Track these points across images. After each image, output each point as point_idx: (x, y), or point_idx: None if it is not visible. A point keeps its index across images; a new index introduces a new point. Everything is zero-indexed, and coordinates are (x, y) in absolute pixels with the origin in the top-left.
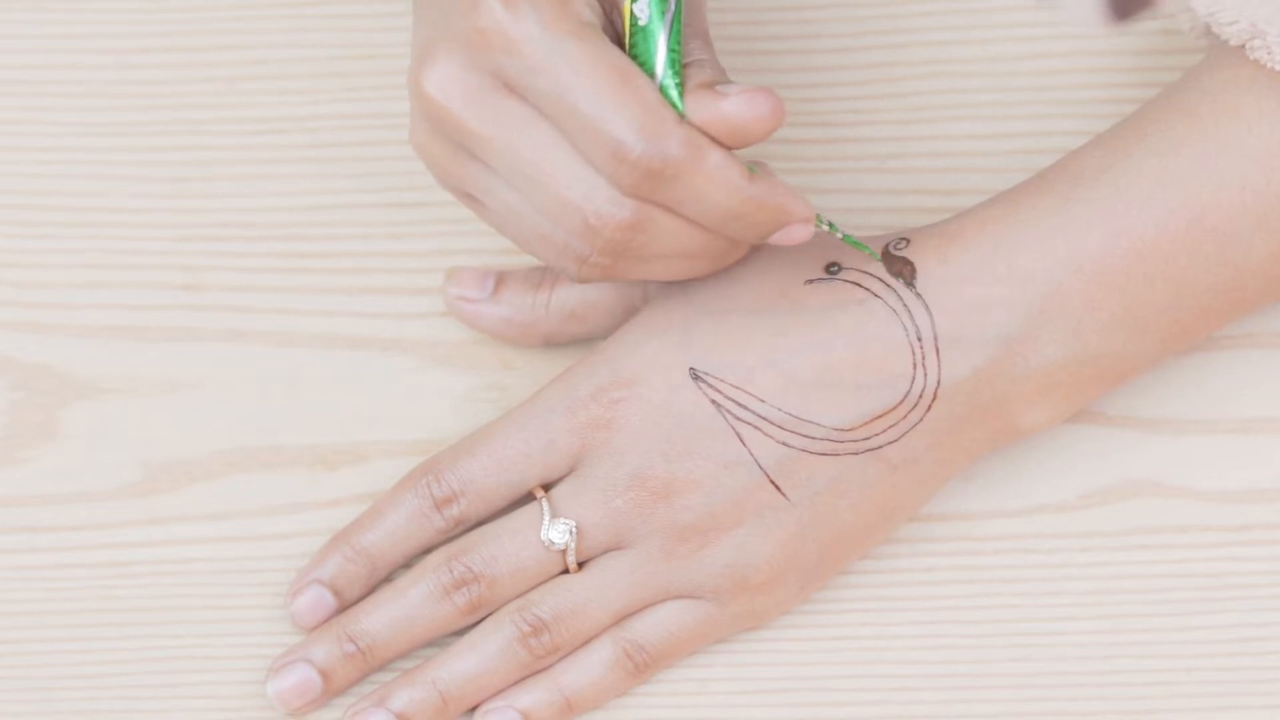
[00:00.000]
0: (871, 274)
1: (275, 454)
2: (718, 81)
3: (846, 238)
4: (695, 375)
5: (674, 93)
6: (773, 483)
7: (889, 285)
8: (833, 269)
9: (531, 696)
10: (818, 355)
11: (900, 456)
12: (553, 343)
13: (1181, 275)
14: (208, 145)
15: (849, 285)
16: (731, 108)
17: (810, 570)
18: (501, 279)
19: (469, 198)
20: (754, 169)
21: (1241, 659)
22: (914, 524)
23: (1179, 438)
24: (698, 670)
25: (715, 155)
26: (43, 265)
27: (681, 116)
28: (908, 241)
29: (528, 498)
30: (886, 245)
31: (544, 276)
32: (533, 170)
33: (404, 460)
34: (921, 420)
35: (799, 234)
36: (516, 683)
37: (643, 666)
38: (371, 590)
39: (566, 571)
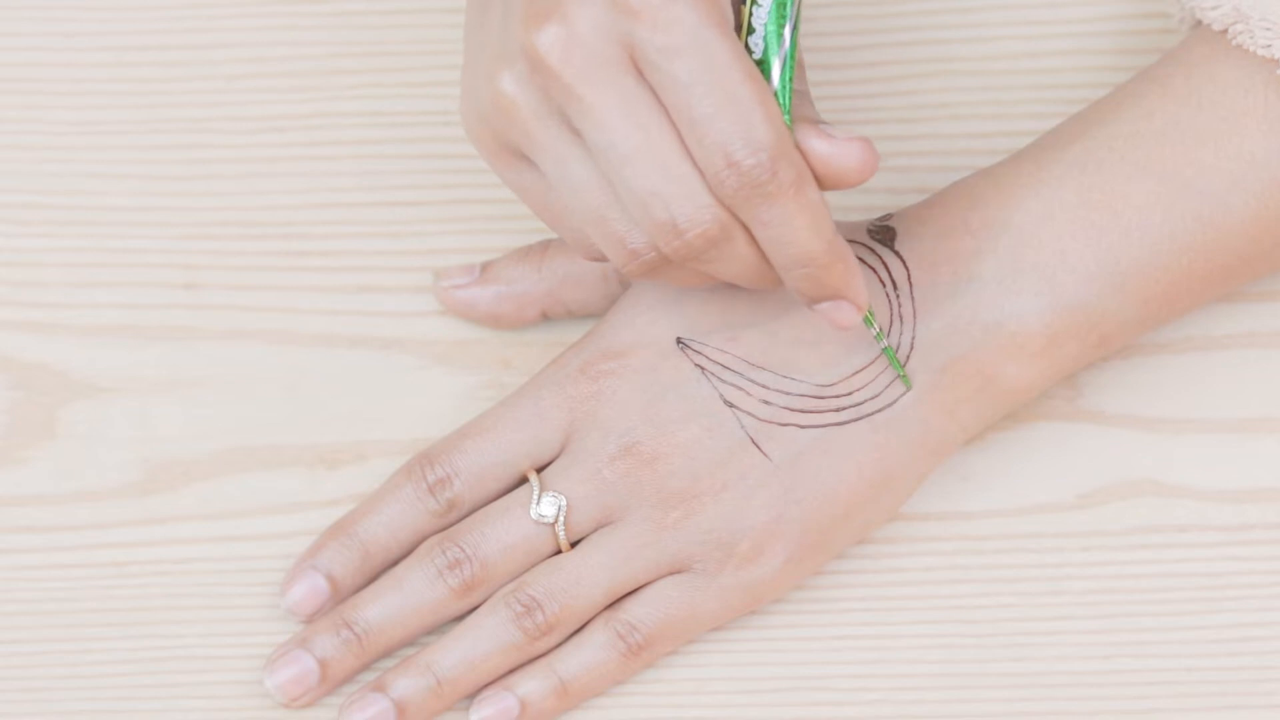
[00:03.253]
0: (856, 241)
1: (275, 453)
2: (820, 120)
3: (888, 350)
4: (681, 343)
5: (786, 118)
6: (753, 442)
7: (870, 248)
8: None
9: (528, 683)
10: (799, 313)
11: (882, 414)
12: (551, 316)
13: (1158, 231)
14: (207, 144)
15: None
16: (836, 151)
17: (797, 539)
18: (488, 264)
19: (521, 160)
20: None
21: (1241, 659)
22: (913, 523)
23: (1179, 437)
24: (696, 670)
25: (816, 193)
26: (43, 264)
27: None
28: (891, 216)
29: (523, 483)
30: (871, 222)
31: (531, 248)
32: (635, 151)
33: (404, 459)
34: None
35: (846, 316)
36: (514, 670)
37: (636, 649)
38: (369, 581)
39: (560, 552)
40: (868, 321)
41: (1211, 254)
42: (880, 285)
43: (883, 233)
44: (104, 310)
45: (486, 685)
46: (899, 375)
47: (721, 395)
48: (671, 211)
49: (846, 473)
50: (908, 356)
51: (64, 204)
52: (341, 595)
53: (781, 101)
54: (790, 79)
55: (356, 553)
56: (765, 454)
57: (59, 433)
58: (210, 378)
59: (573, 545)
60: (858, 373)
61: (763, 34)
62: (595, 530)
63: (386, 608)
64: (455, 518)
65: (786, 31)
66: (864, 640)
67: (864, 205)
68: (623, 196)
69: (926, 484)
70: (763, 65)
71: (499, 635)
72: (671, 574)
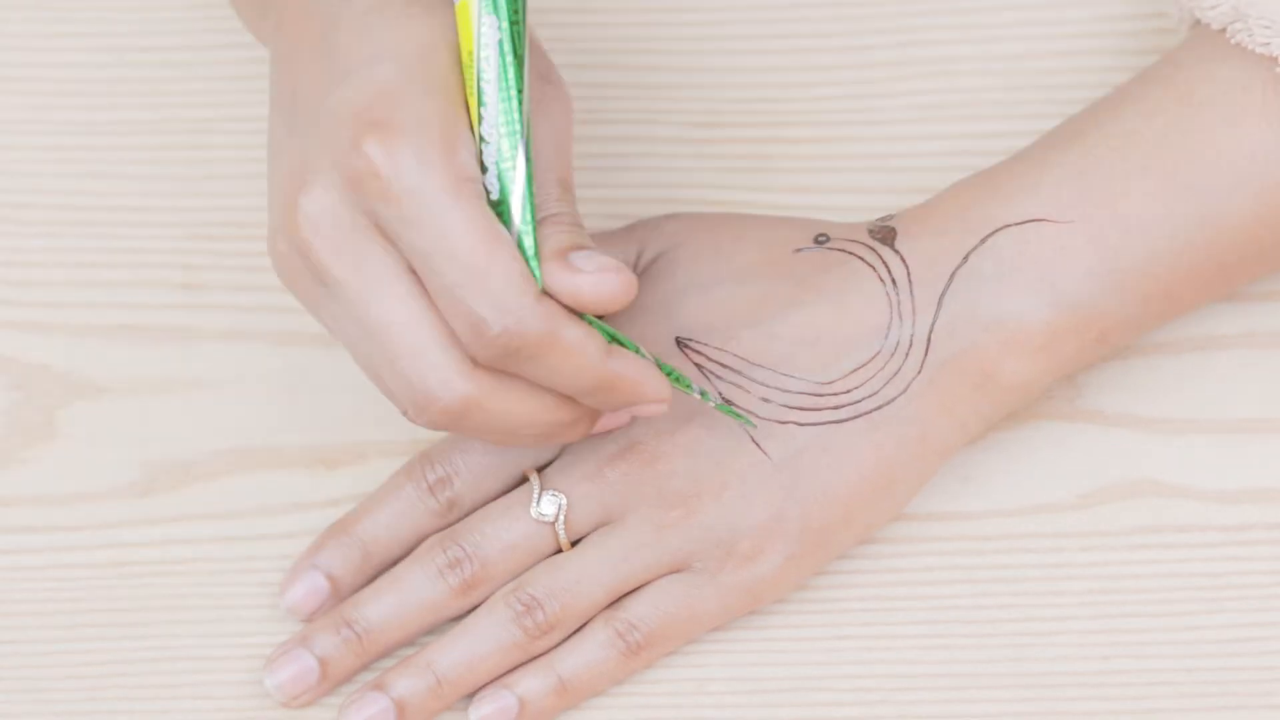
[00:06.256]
0: (857, 240)
1: (275, 454)
2: (573, 247)
3: (721, 406)
4: (680, 342)
5: (532, 262)
6: (753, 440)
7: (870, 247)
8: (821, 239)
9: (527, 681)
10: (798, 312)
11: (879, 411)
12: None
13: (1159, 230)
14: (208, 144)
15: (834, 252)
16: (584, 284)
17: (797, 538)
18: None
19: (317, 315)
20: (617, 338)
21: (1241, 659)
22: (913, 523)
23: (1179, 438)
24: (696, 670)
25: (572, 331)
26: (43, 265)
27: (540, 288)
28: (892, 216)
29: (524, 482)
30: (872, 222)
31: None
32: (379, 331)
33: (404, 459)
34: (900, 369)
35: (651, 411)
36: (513, 668)
37: (636, 648)
38: (369, 581)
39: (560, 552)
40: (685, 386)
41: (1211, 254)
42: (880, 283)
43: (883, 232)
44: (104, 310)
45: (486, 684)
46: (740, 419)
47: (721, 394)
48: (413, 390)
49: (846, 471)
50: (908, 353)
51: (65, 204)
52: (342, 595)
53: (524, 248)
54: (533, 214)
55: (357, 552)
56: (765, 453)
57: (59, 433)
58: (210, 378)
59: (573, 544)
60: (856, 370)
61: (496, 173)
62: (595, 529)
63: (387, 607)
64: (456, 517)
65: (519, 169)
66: (864, 640)
67: (864, 205)
68: (380, 367)
69: (927, 483)
70: (502, 206)
71: (499, 634)
72: (672, 573)
